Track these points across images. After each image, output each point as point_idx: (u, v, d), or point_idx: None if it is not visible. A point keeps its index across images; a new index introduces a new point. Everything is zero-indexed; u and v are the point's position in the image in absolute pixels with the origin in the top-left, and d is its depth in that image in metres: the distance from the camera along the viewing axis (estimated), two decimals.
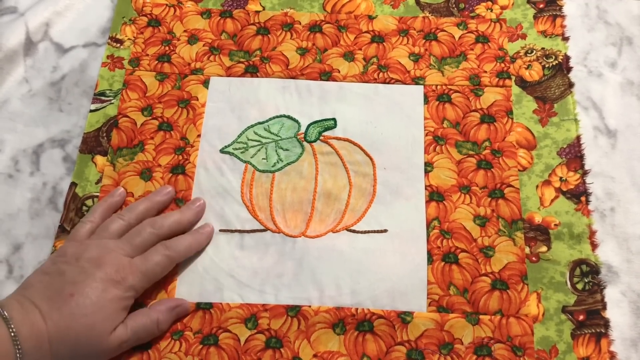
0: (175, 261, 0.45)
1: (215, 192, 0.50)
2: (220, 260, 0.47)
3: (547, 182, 0.50)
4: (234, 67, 0.55)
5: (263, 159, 0.51)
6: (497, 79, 0.54)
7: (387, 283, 0.46)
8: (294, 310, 0.45)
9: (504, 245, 0.47)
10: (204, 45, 0.56)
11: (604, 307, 0.45)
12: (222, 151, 0.51)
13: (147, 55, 0.55)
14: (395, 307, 0.45)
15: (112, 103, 0.53)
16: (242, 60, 0.55)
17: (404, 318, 0.45)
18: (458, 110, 0.52)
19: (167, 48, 0.56)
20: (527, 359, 0.44)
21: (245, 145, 0.52)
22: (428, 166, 0.50)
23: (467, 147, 0.51)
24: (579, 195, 0.49)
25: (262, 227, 0.48)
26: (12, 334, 0.37)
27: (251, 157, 0.51)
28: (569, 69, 0.54)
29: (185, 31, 0.57)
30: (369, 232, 0.48)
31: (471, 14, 0.57)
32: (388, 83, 0.54)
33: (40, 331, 0.38)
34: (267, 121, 0.53)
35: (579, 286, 0.46)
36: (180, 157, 0.51)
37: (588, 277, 0.46)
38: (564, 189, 0.49)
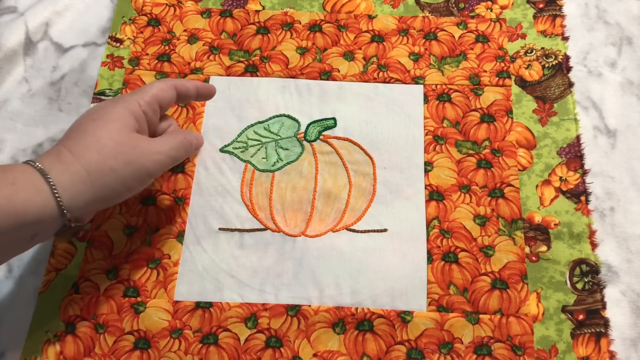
0: (174, 99, 0.45)
1: (214, 191, 0.50)
2: (220, 259, 0.47)
3: (547, 182, 0.50)
4: (233, 66, 0.55)
5: (263, 158, 0.51)
6: (497, 79, 0.54)
7: (387, 282, 0.46)
8: (294, 310, 0.45)
9: (503, 244, 0.47)
10: (203, 45, 0.56)
11: (604, 307, 0.45)
12: (222, 150, 0.51)
13: (147, 54, 0.55)
14: (395, 306, 0.45)
15: None
16: (242, 59, 0.55)
17: (404, 317, 0.45)
18: (458, 109, 0.52)
19: (166, 47, 0.56)
20: (527, 358, 0.44)
21: (245, 145, 0.52)
22: (428, 165, 0.50)
23: (467, 147, 0.51)
24: (578, 194, 0.49)
25: (262, 227, 0.48)
26: (51, 184, 0.37)
27: (251, 157, 0.51)
28: (569, 69, 0.54)
29: (185, 31, 0.57)
30: (368, 231, 0.48)
31: (471, 14, 0.57)
32: (388, 82, 0.54)
33: (77, 174, 0.38)
34: (267, 120, 0.53)
35: (579, 286, 0.46)
36: None
37: (588, 276, 0.46)
38: (564, 189, 0.49)
